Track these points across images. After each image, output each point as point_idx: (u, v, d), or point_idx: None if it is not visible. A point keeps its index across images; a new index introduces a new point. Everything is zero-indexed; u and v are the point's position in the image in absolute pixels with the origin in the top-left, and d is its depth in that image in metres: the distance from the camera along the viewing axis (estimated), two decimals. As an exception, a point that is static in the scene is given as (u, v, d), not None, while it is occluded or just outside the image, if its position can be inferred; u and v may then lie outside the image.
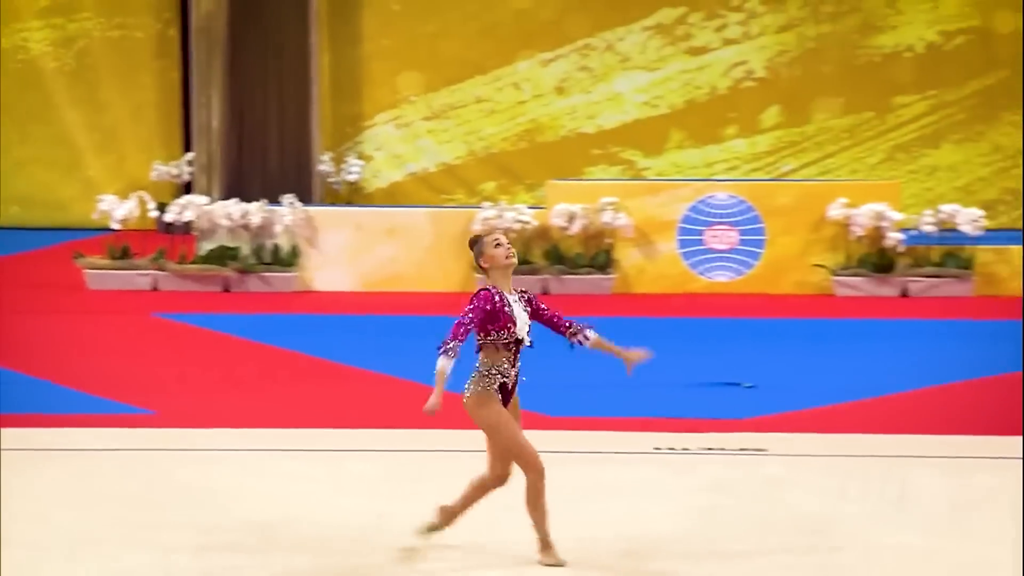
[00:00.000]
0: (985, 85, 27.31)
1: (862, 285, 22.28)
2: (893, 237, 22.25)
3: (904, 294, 22.24)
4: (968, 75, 27.34)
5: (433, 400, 9.93)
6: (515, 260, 10.29)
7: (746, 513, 12.01)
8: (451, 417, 14.00)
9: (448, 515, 10.60)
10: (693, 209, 23.00)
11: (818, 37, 27.64)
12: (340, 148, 28.09)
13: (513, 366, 10.22)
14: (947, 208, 22.49)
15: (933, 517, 11.95)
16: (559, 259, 22.88)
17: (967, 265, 22.25)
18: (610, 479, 12.88)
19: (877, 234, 22.30)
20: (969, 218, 22.18)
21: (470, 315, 10.02)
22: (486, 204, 23.62)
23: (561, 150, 27.66)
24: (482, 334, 10.11)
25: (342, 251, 23.56)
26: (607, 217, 22.76)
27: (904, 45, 27.46)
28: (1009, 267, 22.42)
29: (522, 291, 10.32)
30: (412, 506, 11.45)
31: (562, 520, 10.75)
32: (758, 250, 22.85)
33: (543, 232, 23.07)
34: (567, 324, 10.45)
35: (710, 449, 13.83)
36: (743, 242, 22.90)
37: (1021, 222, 26.57)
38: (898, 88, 27.46)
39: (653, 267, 22.90)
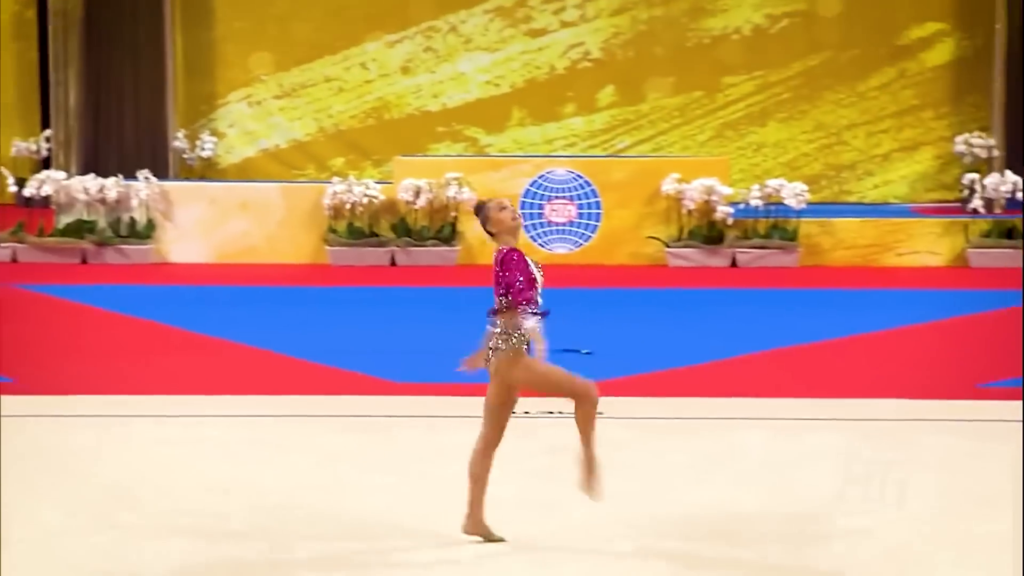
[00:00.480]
0: (808, 66, 27.56)
1: (693, 256, 22.47)
2: (722, 210, 22.47)
3: (733, 264, 22.46)
4: (792, 56, 27.58)
5: (537, 350, 9.90)
6: (521, 221, 10.20)
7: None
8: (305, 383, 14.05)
9: (589, 463, 10.19)
10: (533, 184, 23.11)
11: (650, 20, 27.78)
12: (194, 125, 27.93)
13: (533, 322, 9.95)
14: (773, 183, 22.74)
15: (754, 473, 12.11)
16: (406, 232, 22.91)
17: (792, 237, 22.50)
18: (450, 442, 12.91)
19: (707, 207, 22.51)
20: (793, 192, 22.43)
21: (519, 275, 9.86)
22: (336, 179, 23.62)
23: (407, 127, 27.66)
24: (508, 296, 9.88)
25: (196, 224, 23.49)
26: (451, 191, 22.83)
27: (732, 28, 27.66)
28: (832, 238, 22.71)
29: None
30: (267, 469, 11.45)
31: (400, 481, 10.78)
32: (595, 223, 23.00)
33: (390, 206, 23.11)
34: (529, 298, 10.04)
35: (550, 413, 13.89)
36: (581, 215, 23.04)
37: (843, 196, 26.92)
38: (726, 69, 27.67)
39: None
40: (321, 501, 11.09)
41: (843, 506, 11.31)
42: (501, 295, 9.88)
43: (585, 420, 10.08)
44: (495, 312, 9.94)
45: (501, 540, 10.11)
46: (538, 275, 9.99)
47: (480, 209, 10.12)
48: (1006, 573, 9.84)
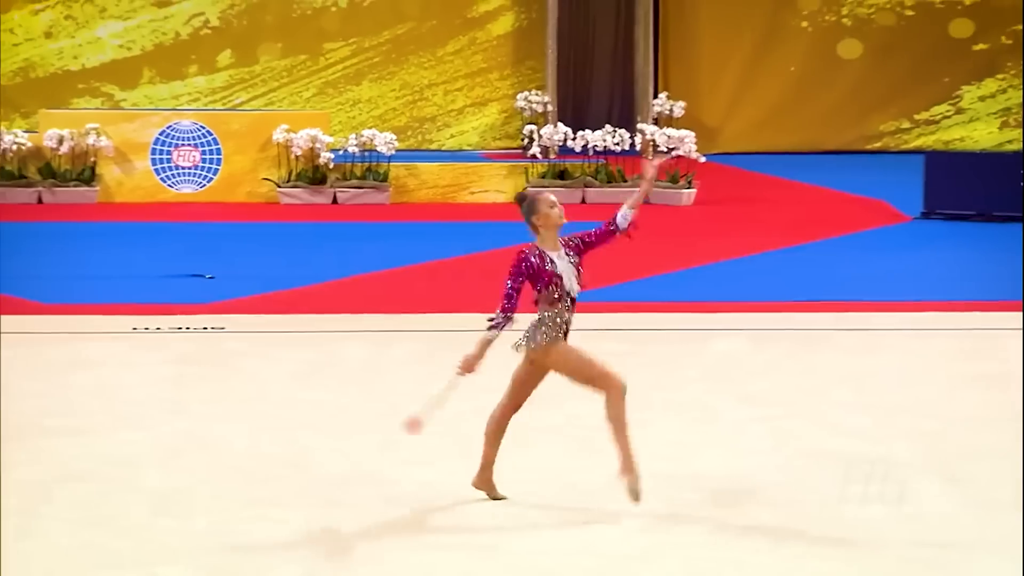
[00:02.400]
0: (396, 34, 27.64)
1: (301, 195, 22.40)
2: (325, 156, 22.43)
3: (334, 202, 22.45)
4: (382, 26, 27.62)
5: (469, 359, 8.77)
6: (564, 220, 8.88)
7: (207, 375, 12.10)
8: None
9: (627, 464, 8.84)
10: (162, 133, 22.78)
11: (262, -7, 27.60)
12: None
13: (570, 313, 8.89)
14: (367, 133, 22.76)
15: (353, 376, 12.21)
16: (51, 174, 22.37)
17: (384, 179, 22.59)
18: (96, 355, 12.73)
19: (312, 154, 22.44)
20: (384, 141, 22.48)
21: (509, 283, 8.78)
22: (-11, 131, 22.94)
23: (51, 85, 26.94)
24: (535, 290, 8.82)
25: None
26: (91, 140, 22.36)
27: (331, 1, 27.58)
28: (417, 180, 22.83)
29: (566, 241, 8.93)
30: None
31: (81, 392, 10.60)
32: (216, 167, 22.77)
33: (37, 152, 22.51)
34: (607, 225, 9.01)
35: (179, 328, 13.79)
36: (203, 160, 22.79)
37: (425, 144, 27.13)
38: (327, 36, 27.60)
39: (131, 180, 22.61)
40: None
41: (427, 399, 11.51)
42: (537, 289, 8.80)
43: (617, 418, 8.86)
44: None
45: (503, 498, 9.15)
46: (566, 268, 8.81)
47: (524, 199, 8.96)
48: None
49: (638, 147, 23.41)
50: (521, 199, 8.98)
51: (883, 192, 22.39)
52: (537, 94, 26.28)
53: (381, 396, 11.64)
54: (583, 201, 22.15)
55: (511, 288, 8.75)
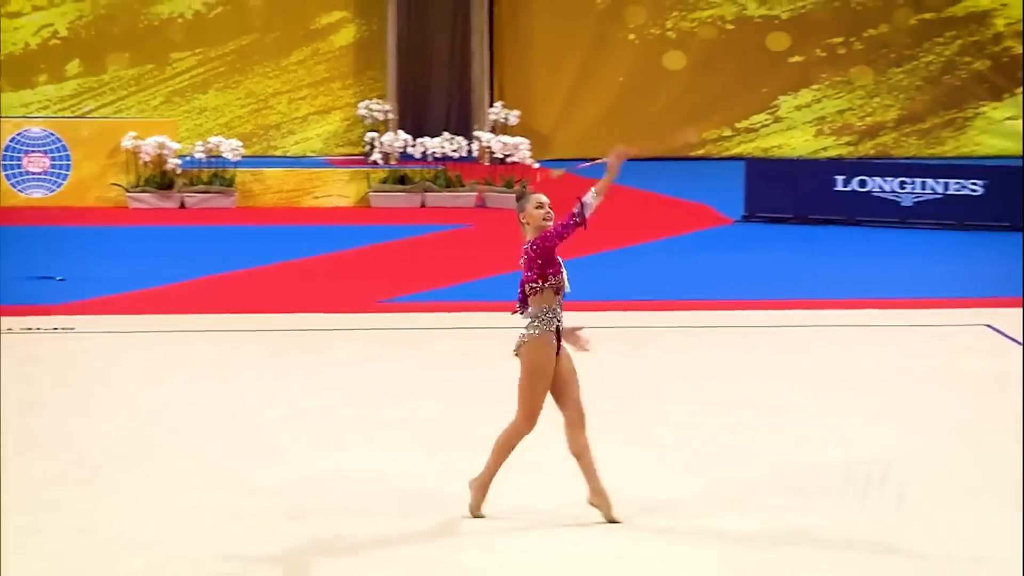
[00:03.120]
0: (240, 45, 27.44)
1: (149, 199, 22.10)
2: (172, 162, 22.16)
3: (182, 206, 22.17)
4: (227, 37, 27.41)
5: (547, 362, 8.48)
6: (550, 222, 8.58)
7: (57, 375, 11.89)
8: None
9: (596, 493, 8.62)
10: (13, 140, 22.35)
11: (109, 5, 27.19)
12: None
13: (561, 309, 8.63)
14: (214, 139, 22.53)
15: (198, 377, 12.09)
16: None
17: (230, 183, 22.37)
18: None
19: (160, 159, 22.15)
20: (230, 147, 22.27)
21: (551, 244, 8.49)
22: None
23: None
24: (540, 280, 8.54)
25: None
26: (-58, 145, 21.92)
27: (177, 12, 27.29)
28: (262, 185, 22.63)
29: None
30: None
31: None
32: (66, 173, 22.38)
33: None
34: (572, 214, 8.57)
35: (29, 329, 13.54)
36: (53, 166, 22.39)
37: (271, 150, 26.92)
38: (173, 46, 27.30)
39: (-18, 186, 22.22)
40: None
41: (281, 398, 11.41)
42: (532, 283, 8.60)
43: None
44: (525, 299, 8.65)
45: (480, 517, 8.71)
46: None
47: (521, 197, 8.74)
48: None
49: (475, 153, 23.46)
50: (518, 197, 8.77)
51: (706, 196, 22.61)
52: (378, 103, 26.24)
53: (229, 394, 11.52)
54: (423, 205, 22.11)
55: (548, 268, 8.54)
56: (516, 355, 8.61)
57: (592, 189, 8.60)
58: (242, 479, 9.46)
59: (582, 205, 8.53)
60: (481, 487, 8.75)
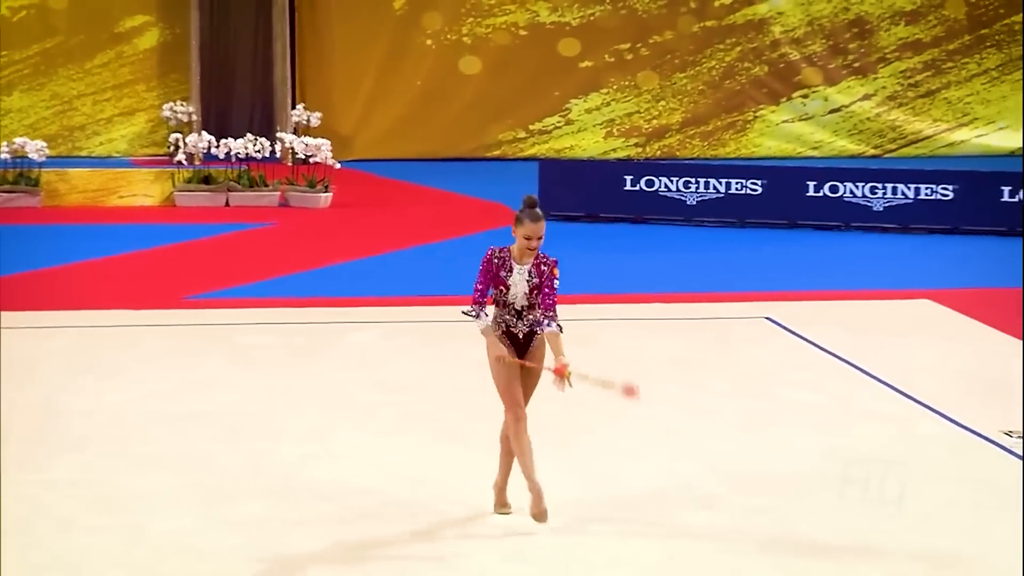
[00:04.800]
0: (45, 47, 26.94)
1: (-47, 200, 21.61)
2: (-25, 164, 21.70)
3: (-12, 206, 21.72)
4: (31, 40, 26.90)
5: (494, 351, 8.35)
6: (532, 254, 8.39)
7: None
8: None
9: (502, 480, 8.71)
10: None
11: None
12: None
13: (519, 320, 8.42)
14: (19, 140, 22.08)
15: (8, 370, 11.90)
16: None
17: (35, 183, 21.96)
18: None
19: (-35, 161, 21.66)
20: (35, 148, 21.85)
21: (479, 277, 8.41)
22: None
23: None
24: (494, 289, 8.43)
25: None
26: None
27: (-21, 15, 26.72)
28: (67, 184, 22.25)
29: (542, 263, 8.46)
30: None
31: None
32: None
33: None
34: (545, 310, 8.39)
35: None
36: None
37: (76, 151, 26.50)
38: (-22, 48, 26.73)
39: None
40: None
41: (88, 391, 11.26)
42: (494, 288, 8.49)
43: (503, 441, 8.67)
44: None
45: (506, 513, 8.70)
46: (518, 282, 8.40)
47: (522, 209, 8.51)
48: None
49: (278, 154, 23.35)
50: (527, 203, 8.54)
51: (502, 196, 22.76)
52: (182, 105, 25.98)
53: (36, 388, 11.35)
54: (227, 204, 21.95)
55: (478, 282, 8.42)
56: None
57: (552, 332, 8.36)
58: (46, 469, 9.36)
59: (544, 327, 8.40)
60: (496, 488, 8.73)
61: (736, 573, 7.94)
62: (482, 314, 8.42)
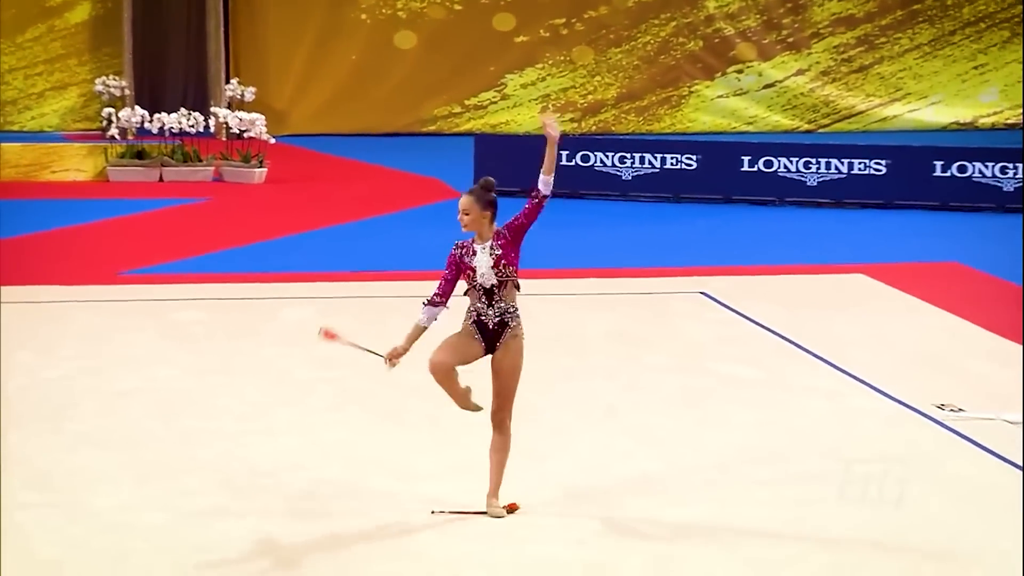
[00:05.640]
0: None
1: None
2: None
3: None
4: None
5: (399, 346, 8.35)
6: (465, 222, 8.39)
7: None
8: None
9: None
10: None
11: None
12: None
13: (490, 306, 8.30)
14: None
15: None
16: None
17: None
18: None
19: None
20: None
21: (445, 272, 8.36)
22: None
23: None
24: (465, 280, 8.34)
25: None
26: None
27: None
28: (-2, 159, 22.08)
29: (497, 233, 8.40)
30: None
31: None
32: None
33: None
34: (533, 199, 8.40)
35: None
36: None
37: (7, 126, 26.22)
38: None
39: None
40: None
41: (20, 368, 11.15)
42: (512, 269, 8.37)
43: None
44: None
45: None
46: (481, 261, 8.30)
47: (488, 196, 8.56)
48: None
49: (212, 129, 23.20)
50: (480, 185, 8.60)
51: (437, 171, 22.72)
52: (115, 79, 25.75)
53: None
54: (161, 179, 21.79)
55: (443, 278, 8.38)
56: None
57: (541, 173, 8.45)
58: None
59: (539, 189, 8.39)
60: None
61: (672, 550, 7.95)
62: (427, 310, 8.35)
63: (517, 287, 8.39)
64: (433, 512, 8.32)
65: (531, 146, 22.32)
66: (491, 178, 8.65)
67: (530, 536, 8.05)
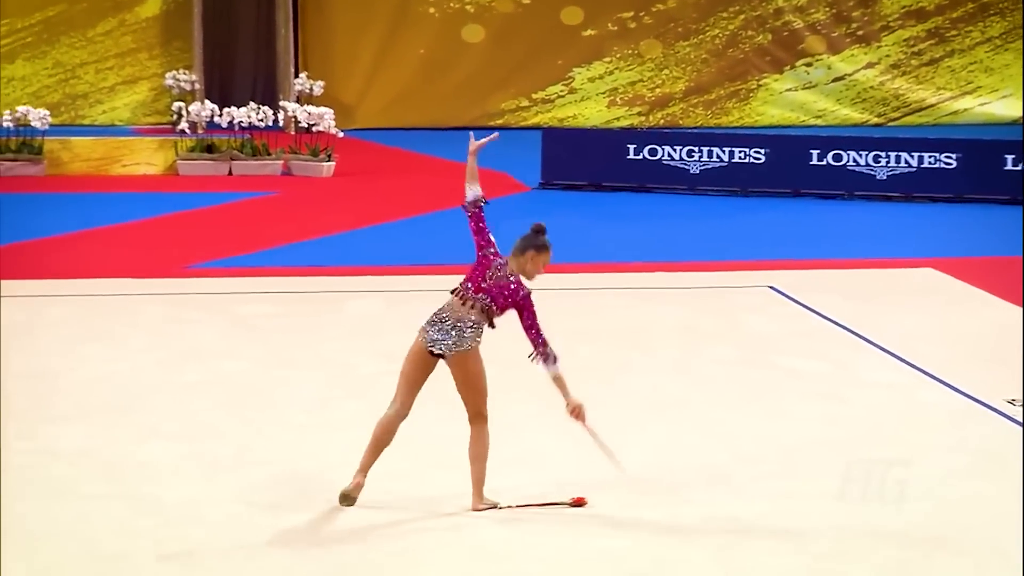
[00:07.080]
0: (47, 16, 26.80)
1: (-42, 168, 21.55)
2: (-20, 132, 21.62)
3: (-6, 175, 21.65)
4: (33, 8, 26.76)
5: (571, 400, 8.23)
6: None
7: None
8: None
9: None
10: None
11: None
12: None
13: (461, 306, 8.49)
14: (22, 109, 22.01)
15: (10, 339, 11.85)
16: None
17: (39, 152, 21.90)
18: None
19: (-32, 129, 21.58)
20: (38, 116, 21.78)
21: (535, 315, 8.41)
22: None
23: None
24: (493, 305, 8.45)
25: None
26: None
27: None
28: (71, 153, 22.18)
29: (519, 282, 8.66)
30: None
31: None
32: None
33: None
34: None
35: None
36: None
37: (79, 119, 26.41)
38: (-19, 17, 26.62)
39: None
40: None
41: (89, 360, 11.21)
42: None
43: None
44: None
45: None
46: (497, 275, 8.62)
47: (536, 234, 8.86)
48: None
49: (281, 123, 23.30)
50: (540, 231, 8.95)
51: (505, 164, 22.67)
52: (185, 73, 25.87)
53: (37, 356, 11.30)
54: (230, 173, 21.90)
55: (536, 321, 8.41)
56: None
57: (468, 188, 9.03)
58: (47, 438, 9.32)
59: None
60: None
61: (737, 544, 7.89)
62: (554, 357, 8.27)
63: (490, 319, 8.38)
64: (499, 507, 8.29)
65: (598, 140, 22.40)
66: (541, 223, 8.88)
67: (594, 530, 8.01)
